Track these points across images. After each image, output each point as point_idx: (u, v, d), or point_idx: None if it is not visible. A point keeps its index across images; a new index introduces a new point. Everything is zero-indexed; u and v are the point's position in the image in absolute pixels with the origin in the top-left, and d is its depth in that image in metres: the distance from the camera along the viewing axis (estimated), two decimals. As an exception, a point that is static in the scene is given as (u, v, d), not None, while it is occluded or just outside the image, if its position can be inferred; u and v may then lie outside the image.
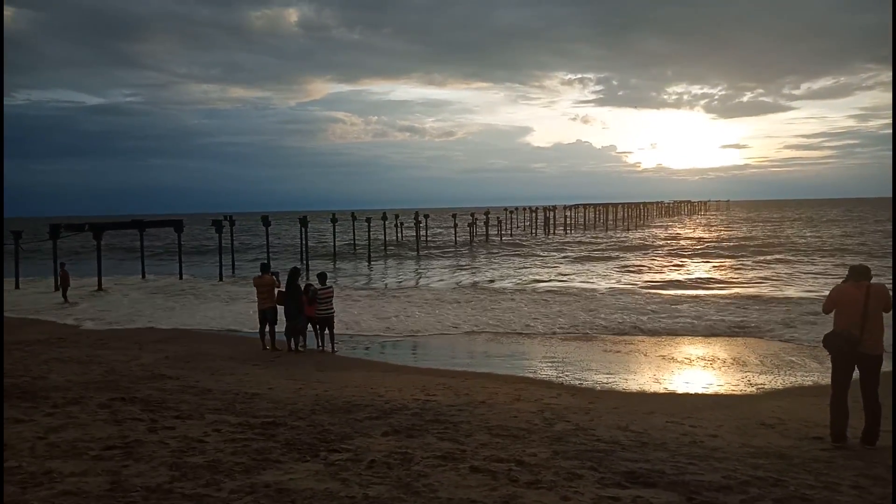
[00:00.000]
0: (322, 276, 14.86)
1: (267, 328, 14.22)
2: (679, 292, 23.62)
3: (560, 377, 11.49)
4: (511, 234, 66.16)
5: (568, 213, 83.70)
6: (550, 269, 34.19)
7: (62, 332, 16.83)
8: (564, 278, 29.62)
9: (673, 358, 13.23)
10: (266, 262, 18.88)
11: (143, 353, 13.38)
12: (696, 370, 12.24)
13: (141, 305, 22.35)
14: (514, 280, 29.44)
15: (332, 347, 14.15)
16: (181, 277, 31.59)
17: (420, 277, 32.36)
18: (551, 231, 71.08)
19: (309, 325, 14.29)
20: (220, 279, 30.86)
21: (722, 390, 10.58)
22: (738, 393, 10.38)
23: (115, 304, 22.65)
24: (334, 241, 45.35)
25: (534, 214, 74.57)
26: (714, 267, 33.75)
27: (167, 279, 31.47)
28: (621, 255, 41.46)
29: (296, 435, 6.94)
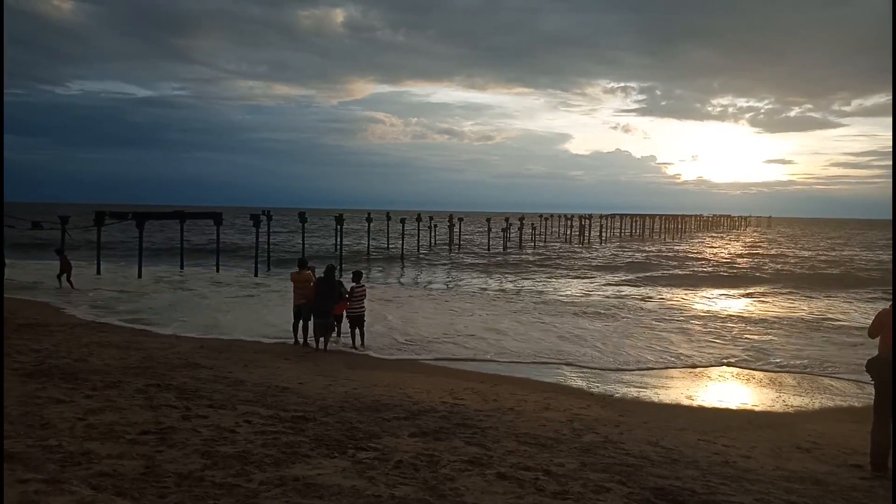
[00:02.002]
0: (357, 275, 14.98)
1: (301, 324, 14.39)
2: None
3: (591, 387, 11.37)
4: (545, 242, 65.78)
5: (604, 223, 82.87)
6: (595, 283, 33.80)
7: (101, 318, 17.29)
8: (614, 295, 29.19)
9: (707, 375, 12.98)
10: (303, 257, 19.12)
11: (180, 341, 13.67)
12: (729, 389, 11.98)
13: (177, 298, 22.83)
14: (558, 291, 29.21)
15: (363, 346, 14.24)
16: (218, 270, 32.21)
17: (454, 282, 32.37)
18: (586, 240, 70.46)
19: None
20: (256, 274, 31.35)
21: (756, 410, 10.34)
22: (773, 414, 10.13)
23: (153, 298, 23.19)
24: (368, 241, 45.71)
25: (569, 222, 74.01)
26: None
27: (206, 272, 32.11)
28: (681, 274, 38.11)
29: (324, 431, 7.00)
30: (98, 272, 28.30)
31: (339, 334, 14.69)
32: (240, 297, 22.59)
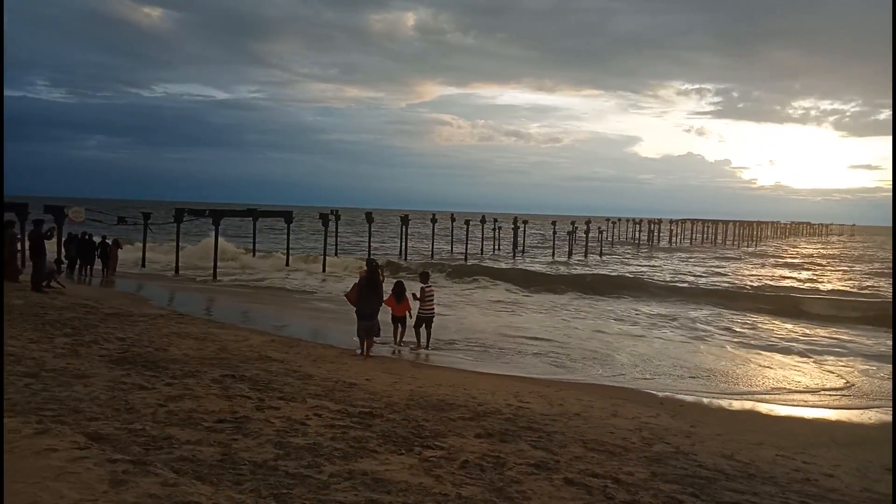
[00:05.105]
0: (425, 275, 15.07)
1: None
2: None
3: (660, 393, 11.07)
4: (612, 245, 64.48)
5: (674, 228, 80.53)
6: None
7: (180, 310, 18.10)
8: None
9: (785, 388, 12.40)
10: (370, 257, 19.49)
11: (252, 334, 14.14)
12: (810, 405, 11.40)
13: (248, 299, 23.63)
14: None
15: (428, 345, 14.31)
16: (287, 264, 33.24)
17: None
18: (655, 245, 68.64)
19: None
20: (324, 270, 32.15)
21: (841, 428, 9.79)
22: (860, 433, 9.56)
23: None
24: (432, 242, 46.06)
25: (637, 226, 72.34)
26: None
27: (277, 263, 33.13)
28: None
29: (391, 427, 7.08)
30: (176, 272, 29.61)
31: (402, 335, 14.68)
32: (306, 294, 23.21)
